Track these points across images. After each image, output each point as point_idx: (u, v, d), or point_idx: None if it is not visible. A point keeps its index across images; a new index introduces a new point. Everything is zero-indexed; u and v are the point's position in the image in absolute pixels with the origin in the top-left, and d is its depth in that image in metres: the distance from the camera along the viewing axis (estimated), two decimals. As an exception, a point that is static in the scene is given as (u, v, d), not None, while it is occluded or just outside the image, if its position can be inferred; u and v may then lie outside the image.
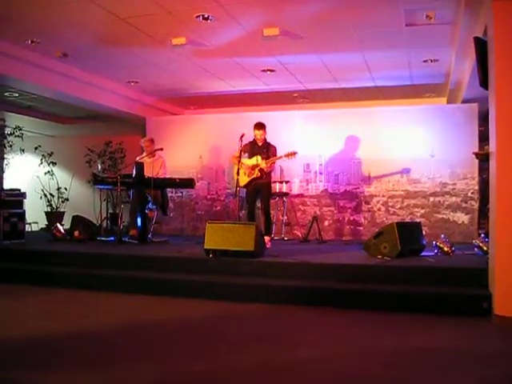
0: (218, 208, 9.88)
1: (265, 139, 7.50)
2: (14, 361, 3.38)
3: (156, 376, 3.08)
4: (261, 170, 7.33)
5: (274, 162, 7.46)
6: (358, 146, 9.07)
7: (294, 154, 7.35)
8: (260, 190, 7.45)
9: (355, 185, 9.11)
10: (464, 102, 9.06)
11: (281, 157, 7.38)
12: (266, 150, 7.40)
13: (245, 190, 7.55)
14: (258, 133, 7.41)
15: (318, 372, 3.18)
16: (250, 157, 7.46)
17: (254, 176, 7.36)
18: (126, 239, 7.74)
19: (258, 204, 7.71)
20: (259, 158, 7.35)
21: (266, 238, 7.25)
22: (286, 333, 4.19)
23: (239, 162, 7.22)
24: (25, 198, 8.21)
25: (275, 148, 7.47)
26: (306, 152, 9.06)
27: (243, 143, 7.38)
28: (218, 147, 9.81)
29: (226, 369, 3.23)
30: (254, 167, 7.37)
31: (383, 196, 8.96)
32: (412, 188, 8.81)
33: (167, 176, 8.35)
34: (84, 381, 3.02)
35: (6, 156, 11.15)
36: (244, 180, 7.41)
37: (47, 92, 8.90)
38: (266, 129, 7.50)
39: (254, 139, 7.49)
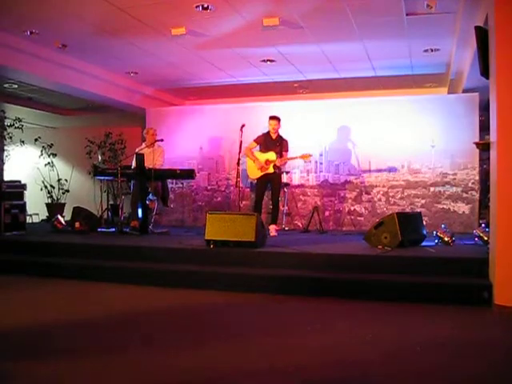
0: (219, 199, 9.88)
1: (278, 133, 7.60)
2: (13, 352, 3.39)
3: (154, 366, 3.10)
4: (275, 167, 7.41)
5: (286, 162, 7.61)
6: (359, 136, 9.05)
7: (308, 156, 7.56)
8: (271, 180, 7.54)
9: (356, 175, 9.11)
10: (465, 91, 9.04)
11: (296, 157, 7.53)
12: (279, 143, 7.51)
13: (254, 181, 7.73)
14: (273, 123, 7.58)
15: (319, 362, 3.19)
16: (263, 150, 7.53)
17: (268, 172, 7.44)
18: (127, 230, 7.75)
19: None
20: (273, 154, 7.43)
21: (274, 227, 7.34)
22: (286, 323, 4.20)
23: (251, 153, 7.40)
24: (25, 189, 8.21)
25: (287, 142, 7.65)
26: (306, 142, 9.04)
27: (257, 135, 7.59)
28: (218, 138, 9.79)
29: (227, 358, 3.24)
30: (268, 162, 7.45)
31: (384, 186, 8.95)
32: (412, 178, 8.80)
33: (166, 166, 8.35)
34: (80, 371, 3.03)
35: (6, 148, 11.13)
36: (256, 173, 7.49)
37: (47, 83, 8.88)
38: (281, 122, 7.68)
39: (268, 131, 7.58)
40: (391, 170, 8.83)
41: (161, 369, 3.05)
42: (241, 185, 7.57)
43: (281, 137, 7.62)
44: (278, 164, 7.39)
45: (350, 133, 9.12)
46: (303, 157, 7.55)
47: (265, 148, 7.54)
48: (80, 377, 2.95)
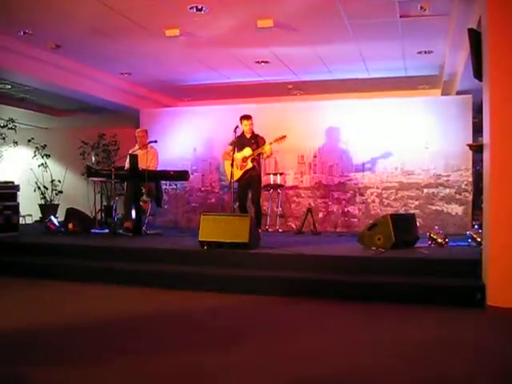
0: (213, 200, 9.87)
1: (253, 131, 7.61)
2: (6, 355, 3.38)
3: (146, 370, 3.09)
4: (253, 160, 7.41)
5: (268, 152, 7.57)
6: (353, 138, 9.06)
7: (283, 137, 7.48)
8: (251, 181, 7.54)
9: (349, 176, 9.12)
10: (458, 93, 9.07)
11: (271, 143, 7.50)
12: (254, 141, 7.53)
13: (237, 183, 7.62)
14: (247, 123, 7.59)
15: (314, 363, 3.19)
16: (239, 150, 7.52)
17: (248, 167, 7.43)
18: (121, 231, 7.73)
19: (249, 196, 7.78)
20: (249, 149, 7.44)
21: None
22: (280, 324, 4.20)
23: (232, 155, 7.31)
24: (18, 190, 8.17)
25: (263, 138, 7.62)
26: (300, 144, 9.06)
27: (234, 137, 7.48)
28: (212, 139, 9.78)
29: (221, 360, 3.24)
30: (245, 159, 7.45)
31: (377, 188, 8.97)
32: (406, 180, 8.82)
33: (159, 168, 8.33)
34: (71, 375, 3.02)
35: (-1, 148, 11.11)
36: (237, 174, 7.46)
37: (40, 84, 8.85)
38: (253, 120, 7.70)
39: (242, 132, 7.61)
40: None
41: (150, 375, 3.05)
42: (234, 186, 7.56)
43: (256, 135, 7.66)
44: (263, 152, 7.41)
45: (343, 134, 9.14)
46: (277, 140, 7.53)
47: (240, 149, 7.55)
48: None
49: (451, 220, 8.52)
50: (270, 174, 9.10)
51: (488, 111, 4.63)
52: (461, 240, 6.50)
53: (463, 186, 8.54)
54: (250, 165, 7.45)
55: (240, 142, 7.56)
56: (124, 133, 11.27)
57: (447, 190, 8.62)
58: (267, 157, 7.79)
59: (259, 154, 7.59)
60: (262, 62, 8.69)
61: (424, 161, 8.72)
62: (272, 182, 8.98)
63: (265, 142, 7.56)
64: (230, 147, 7.59)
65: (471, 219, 8.38)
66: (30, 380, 2.94)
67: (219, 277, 5.46)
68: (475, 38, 4.98)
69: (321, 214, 9.19)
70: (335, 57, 8.37)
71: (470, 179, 8.51)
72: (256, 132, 7.75)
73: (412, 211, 8.30)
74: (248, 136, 7.60)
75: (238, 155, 7.51)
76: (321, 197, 9.26)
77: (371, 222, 6.52)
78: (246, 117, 7.60)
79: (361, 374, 3.01)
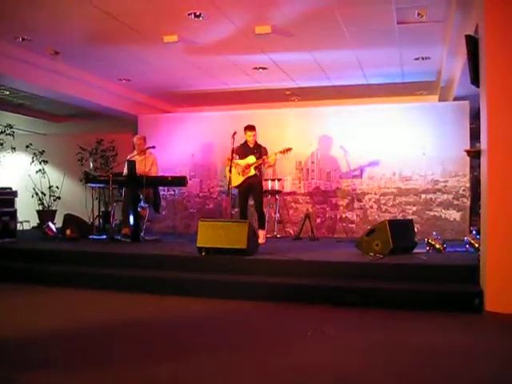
0: (211, 206, 9.87)
1: (256, 141, 7.59)
2: (3, 360, 3.37)
3: (145, 374, 3.08)
4: (256, 168, 7.40)
5: (274, 160, 7.57)
6: (350, 144, 9.07)
7: (289, 149, 7.47)
8: (252, 188, 7.51)
9: (347, 182, 9.13)
10: (455, 99, 9.10)
11: (276, 153, 7.46)
12: (257, 150, 7.50)
13: (236, 189, 7.59)
14: (251, 134, 7.51)
15: (312, 369, 3.19)
16: (242, 158, 7.51)
17: (250, 174, 7.41)
18: (119, 237, 7.72)
19: (250, 202, 7.75)
20: (253, 157, 7.41)
21: (262, 232, 7.31)
22: (278, 330, 4.19)
23: (231, 161, 7.29)
24: (16, 196, 8.16)
25: (266, 149, 7.58)
26: (298, 150, 9.06)
27: (234, 145, 7.43)
28: (210, 145, 9.80)
29: (219, 365, 3.23)
30: (248, 166, 7.42)
31: (375, 193, 8.98)
32: (404, 185, 8.84)
33: (159, 174, 8.33)
34: (70, 379, 3.01)
35: (-4, 154, 11.09)
36: (238, 180, 7.45)
37: (38, 90, 8.86)
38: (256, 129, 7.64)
39: (246, 141, 7.57)
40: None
41: (148, 379, 3.04)
42: (232, 192, 7.56)
43: (259, 144, 7.62)
44: (266, 161, 7.39)
45: (341, 140, 9.14)
46: (283, 151, 7.52)
47: (243, 156, 7.53)
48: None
49: (449, 226, 8.53)
50: (267, 179, 9.09)
51: (485, 117, 4.65)
52: (459, 246, 6.51)
53: (461, 192, 8.55)
54: (252, 172, 7.43)
55: (243, 150, 7.54)
56: (122, 139, 11.26)
57: (445, 196, 8.64)
58: (270, 166, 7.81)
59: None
60: (260, 68, 8.72)
61: (421, 166, 8.73)
62: (270, 188, 8.96)
63: (267, 153, 7.54)
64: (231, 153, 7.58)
65: (469, 225, 8.39)
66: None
67: (217, 283, 5.45)
68: (472, 44, 5.00)
69: (319, 220, 9.19)
70: (333, 63, 8.40)
71: (468, 185, 8.53)
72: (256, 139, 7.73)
73: (410, 217, 8.32)
74: (251, 145, 7.58)
75: (242, 162, 7.50)
76: (319, 202, 9.26)
77: (369, 227, 6.52)
78: (250, 128, 7.54)
79: (359, 380, 3.00)
